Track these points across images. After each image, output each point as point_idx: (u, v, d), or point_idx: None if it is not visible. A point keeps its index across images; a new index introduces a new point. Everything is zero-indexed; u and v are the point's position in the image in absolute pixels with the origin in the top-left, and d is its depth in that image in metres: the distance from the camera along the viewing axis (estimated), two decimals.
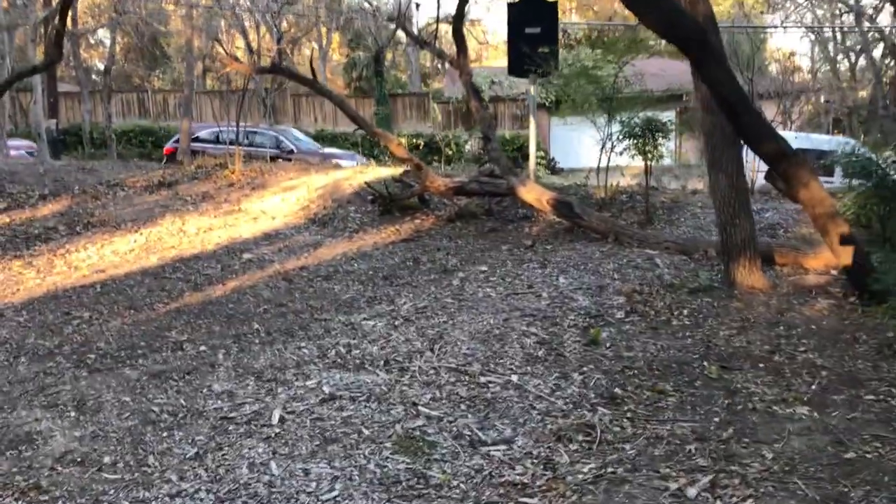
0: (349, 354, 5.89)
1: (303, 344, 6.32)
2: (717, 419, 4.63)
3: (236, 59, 13.83)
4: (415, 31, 34.03)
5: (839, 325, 6.29)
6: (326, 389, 5.16)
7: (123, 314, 7.84)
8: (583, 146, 25.26)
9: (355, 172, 14.43)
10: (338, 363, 5.72)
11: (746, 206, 7.72)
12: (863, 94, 35.94)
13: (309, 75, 12.11)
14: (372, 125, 11.98)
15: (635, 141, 10.92)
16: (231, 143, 17.16)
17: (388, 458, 4.20)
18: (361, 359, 5.76)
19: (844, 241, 6.39)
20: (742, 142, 6.47)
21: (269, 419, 4.77)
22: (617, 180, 13.02)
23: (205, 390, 5.40)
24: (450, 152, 19.65)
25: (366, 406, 4.87)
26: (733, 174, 7.62)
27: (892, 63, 33.35)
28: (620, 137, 11.02)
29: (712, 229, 10.73)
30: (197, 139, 20.50)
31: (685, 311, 6.88)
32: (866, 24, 35.21)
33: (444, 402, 4.93)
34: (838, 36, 36.20)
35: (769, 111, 30.61)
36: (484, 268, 8.73)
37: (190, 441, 4.60)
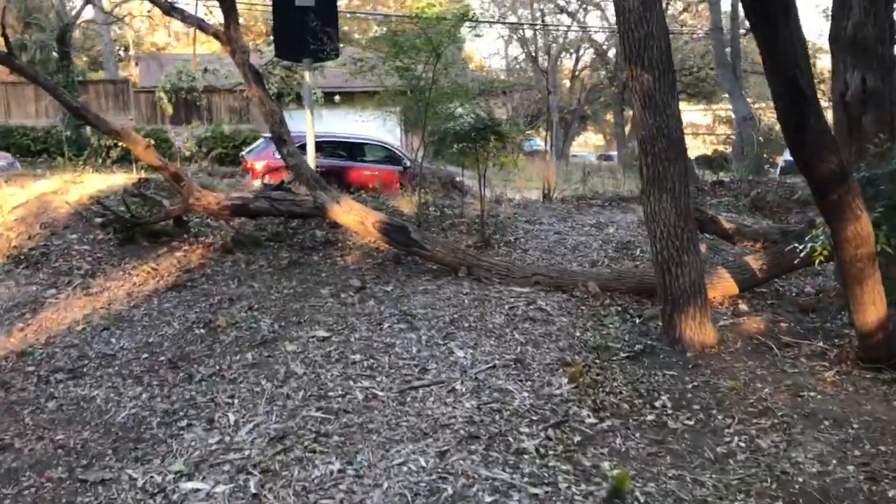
0: None
1: None
2: None
3: None
4: (104, 3, 28.71)
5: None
6: None
7: None
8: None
9: (66, 183, 10.52)
10: None
11: (695, 238, 5.79)
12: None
13: None
14: (107, 120, 8.39)
15: (465, 145, 8.64)
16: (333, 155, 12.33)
17: None
18: None
19: (877, 296, 4.65)
20: (790, 155, 4.43)
21: None
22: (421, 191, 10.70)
23: None
24: (188, 153, 15.92)
25: None
26: (680, 195, 5.63)
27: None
28: (448, 140, 8.68)
29: (564, 251, 8.86)
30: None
31: (665, 399, 4.74)
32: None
33: None
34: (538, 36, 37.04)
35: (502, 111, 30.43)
36: (322, 332, 5.90)
37: None
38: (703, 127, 43.89)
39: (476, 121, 8.59)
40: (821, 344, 5.81)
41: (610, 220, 10.32)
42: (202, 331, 6.06)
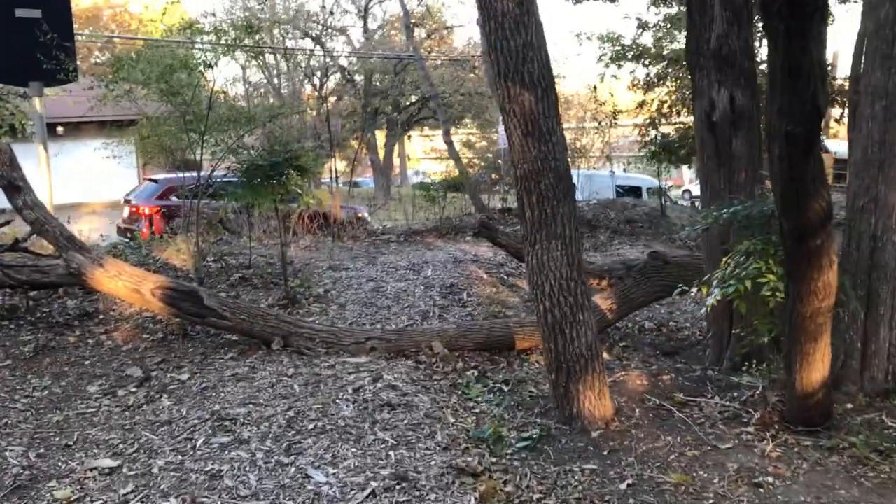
0: None
1: None
2: None
3: None
4: None
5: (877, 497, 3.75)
6: None
7: None
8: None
9: None
10: None
11: (588, 291, 4.78)
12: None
13: None
14: None
15: (270, 182, 7.08)
16: None
17: None
18: None
19: (827, 353, 3.92)
20: (787, 197, 3.42)
21: None
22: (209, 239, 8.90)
23: None
24: None
25: None
26: (571, 241, 4.60)
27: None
28: (247, 178, 7.07)
29: (387, 303, 7.62)
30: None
31: None
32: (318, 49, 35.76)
33: None
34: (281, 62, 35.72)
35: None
36: (105, 461, 4.14)
37: None
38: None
39: (273, 153, 7.08)
40: (716, 400, 5.06)
41: (422, 259, 9.20)
42: None
